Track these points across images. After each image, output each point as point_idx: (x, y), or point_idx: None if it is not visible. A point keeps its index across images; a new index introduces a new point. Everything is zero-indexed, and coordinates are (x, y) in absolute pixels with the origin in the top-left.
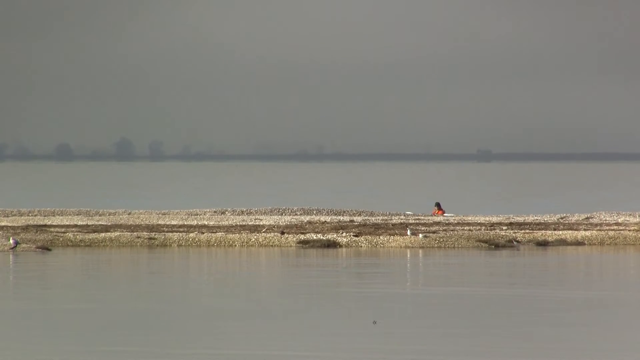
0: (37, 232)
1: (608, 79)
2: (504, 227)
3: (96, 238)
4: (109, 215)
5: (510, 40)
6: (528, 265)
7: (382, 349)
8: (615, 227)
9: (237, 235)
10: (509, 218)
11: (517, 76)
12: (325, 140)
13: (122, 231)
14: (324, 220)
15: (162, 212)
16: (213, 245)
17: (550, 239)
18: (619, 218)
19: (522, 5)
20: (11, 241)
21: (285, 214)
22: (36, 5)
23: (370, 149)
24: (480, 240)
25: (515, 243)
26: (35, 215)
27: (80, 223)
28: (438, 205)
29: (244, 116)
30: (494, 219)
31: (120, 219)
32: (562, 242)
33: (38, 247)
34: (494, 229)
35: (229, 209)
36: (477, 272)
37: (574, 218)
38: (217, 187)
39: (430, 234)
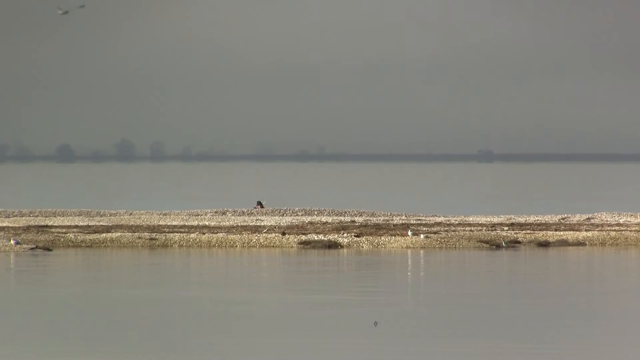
0: (38, 232)
1: (609, 80)
2: (505, 228)
3: (97, 239)
4: (110, 215)
5: (510, 40)
6: (529, 268)
7: (382, 350)
8: (617, 227)
9: (238, 236)
10: (510, 218)
11: (518, 76)
12: (326, 140)
13: (123, 232)
14: (325, 220)
15: (163, 212)
16: (214, 246)
17: (551, 239)
18: (620, 219)
19: (522, 5)
20: (12, 242)
21: (286, 215)
22: (37, 6)
23: (371, 149)
24: (481, 241)
25: (504, 244)
26: (37, 216)
27: (81, 224)
28: (260, 203)
29: (245, 117)
30: (495, 220)
31: (121, 219)
32: (564, 243)
33: (38, 248)
34: (495, 230)
35: (229, 210)
36: (478, 275)
37: (575, 218)
38: (218, 187)
39: (432, 235)
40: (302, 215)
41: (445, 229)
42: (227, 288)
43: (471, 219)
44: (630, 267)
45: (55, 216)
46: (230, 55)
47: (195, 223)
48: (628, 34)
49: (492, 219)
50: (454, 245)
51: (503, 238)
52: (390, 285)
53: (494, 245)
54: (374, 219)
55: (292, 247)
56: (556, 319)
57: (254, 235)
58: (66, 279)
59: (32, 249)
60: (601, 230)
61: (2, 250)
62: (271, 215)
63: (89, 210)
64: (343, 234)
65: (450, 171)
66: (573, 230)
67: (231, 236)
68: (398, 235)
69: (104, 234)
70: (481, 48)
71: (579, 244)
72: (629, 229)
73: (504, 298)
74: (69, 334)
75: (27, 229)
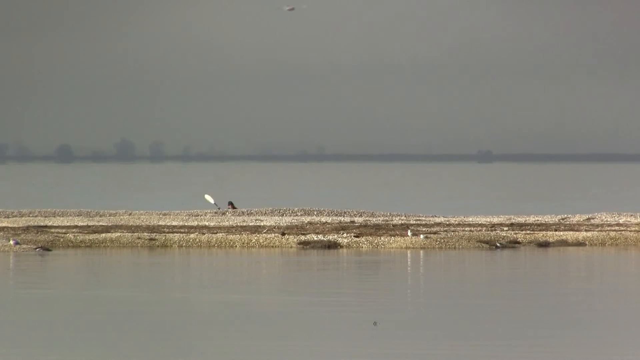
0: (37, 233)
1: (609, 80)
2: (505, 228)
3: (97, 239)
4: (110, 216)
5: (510, 40)
6: (529, 268)
7: (382, 351)
8: (617, 227)
9: (237, 236)
10: (509, 219)
11: (518, 76)
12: (326, 140)
13: (123, 232)
14: (324, 221)
15: (163, 212)
16: (214, 246)
17: (551, 239)
18: (620, 219)
19: (523, 5)
20: (11, 242)
21: (285, 215)
22: (37, 6)
23: (370, 149)
24: (481, 241)
25: (498, 245)
26: (36, 216)
27: (80, 224)
28: (231, 203)
29: (245, 117)
30: (495, 220)
31: (121, 219)
32: (563, 243)
33: (41, 248)
34: (495, 230)
35: (229, 210)
36: (478, 276)
37: (575, 219)
38: (218, 187)
39: (431, 235)
40: (301, 215)
41: (445, 229)
42: (226, 289)
43: (471, 219)
44: (629, 267)
45: (54, 216)
46: (230, 56)
47: (194, 223)
48: (628, 34)
49: (491, 219)
50: (453, 246)
51: (498, 238)
52: (389, 285)
53: (492, 245)
54: (374, 219)
55: (291, 247)
56: (556, 319)
57: (254, 235)
58: (66, 280)
59: (35, 248)
60: (601, 231)
61: (2, 250)
62: (270, 216)
63: (89, 210)
64: (343, 234)
65: (450, 171)
66: (573, 230)
67: (231, 236)
68: (398, 235)
69: (104, 234)
70: (481, 48)
71: (579, 244)
72: (628, 229)
73: (504, 299)
74: (69, 335)
75: (27, 229)
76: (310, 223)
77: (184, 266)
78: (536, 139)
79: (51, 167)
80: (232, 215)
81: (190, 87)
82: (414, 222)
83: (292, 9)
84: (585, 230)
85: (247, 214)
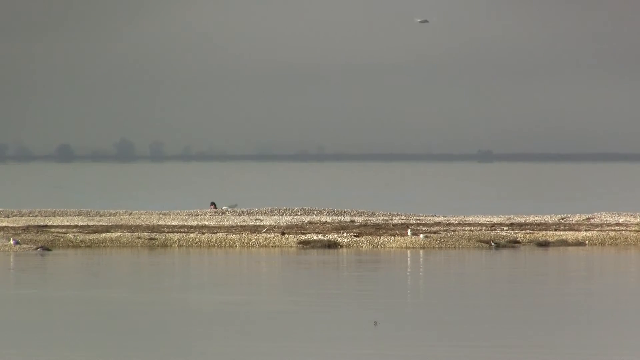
0: (37, 232)
1: (609, 80)
2: (505, 228)
3: (97, 238)
4: (110, 215)
5: (510, 40)
6: (529, 268)
7: (382, 351)
8: (616, 227)
9: (237, 236)
10: (509, 218)
11: (517, 76)
12: (326, 140)
13: (123, 232)
14: (324, 220)
15: (163, 212)
16: (213, 245)
17: (551, 239)
18: (620, 218)
19: (523, 5)
20: (11, 242)
21: (285, 214)
22: (36, 6)
23: (370, 149)
24: (481, 241)
25: (493, 244)
26: (36, 216)
27: (80, 223)
28: (213, 204)
29: (244, 116)
30: (495, 220)
31: (121, 219)
32: (563, 243)
33: (38, 247)
34: (495, 230)
35: (229, 209)
36: (477, 275)
37: (574, 218)
38: (218, 187)
39: (431, 235)
40: (301, 215)
41: (445, 228)
42: (226, 289)
43: (471, 219)
44: (629, 267)
45: (54, 216)
46: (230, 55)
47: (194, 223)
48: (629, 34)
49: (491, 219)
50: (453, 245)
51: (498, 238)
52: (389, 285)
53: (494, 244)
54: (374, 218)
55: (291, 247)
56: (556, 319)
57: (254, 235)
58: (66, 279)
59: (36, 248)
60: (601, 230)
61: (2, 250)
62: (270, 215)
63: (89, 210)
64: (342, 233)
65: (450, 171)
66: (573, 230)
67: (230, 236)
68: (397, 235)
69: (104, 234)
70: (481, 48)
71: (579, 244)
72: (628, 229)
73: (503, 298)
74: (69, 335)
75: (27, 228)
76: (310, 222)
77: (184, 266)
78: (536, 139)
79: (51, 166)
80: (232, 214)
81: (190, 87)
82: (414, 221)
83: (425, 22)
84: (585, 230)
85: (247, 214)
